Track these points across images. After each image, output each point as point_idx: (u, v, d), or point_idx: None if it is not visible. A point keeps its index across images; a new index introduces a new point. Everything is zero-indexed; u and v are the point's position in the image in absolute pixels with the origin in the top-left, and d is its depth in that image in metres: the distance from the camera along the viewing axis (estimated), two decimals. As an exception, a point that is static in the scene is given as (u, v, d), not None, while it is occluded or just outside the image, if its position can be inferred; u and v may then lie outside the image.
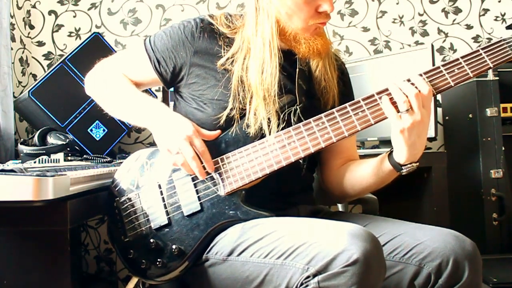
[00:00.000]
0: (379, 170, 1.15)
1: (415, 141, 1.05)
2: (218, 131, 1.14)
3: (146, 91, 1.30)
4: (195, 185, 1.13)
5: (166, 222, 1.12)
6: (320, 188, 1.39)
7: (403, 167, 1.10)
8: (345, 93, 1.29)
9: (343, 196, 1.29)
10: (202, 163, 1.10)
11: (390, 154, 1.12)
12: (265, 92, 1.13)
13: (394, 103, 1.04)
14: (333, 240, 0.91)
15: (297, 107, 1.17)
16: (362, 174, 1.21)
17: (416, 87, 1.04)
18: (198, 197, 1.12)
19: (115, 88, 1.23)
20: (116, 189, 1.20)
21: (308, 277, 0.90)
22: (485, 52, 1.07)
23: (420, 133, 1.05)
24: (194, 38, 1.20)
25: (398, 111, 1.04)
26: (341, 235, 0.92)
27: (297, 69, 1.20)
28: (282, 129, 1.12)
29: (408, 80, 1.06)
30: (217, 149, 1.14)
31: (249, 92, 1.15)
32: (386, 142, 2.03)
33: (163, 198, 1.14)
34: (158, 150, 1.17)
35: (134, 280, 1.49)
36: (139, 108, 1.18)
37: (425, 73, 1.07)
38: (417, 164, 1.10)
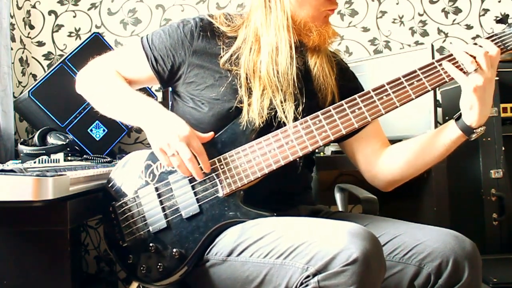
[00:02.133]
0: (444, 140, 1.14)
1: (486, 100, 1.07)
2: (212, 133, 1.12)
3: (146, 91, 1.29)
4: (193, 187, 1.12)
5: (165, 225, 1.11)
6: (320, 188, 1.39)
7: (474, 130, 1.10)
8: (346, 88, 1.28)
9: (394, 181, 1.25)
10: (199, 164, 1.08)
11: (457, 120, 1.12)
12: (280, 77, 1.14)
13: (458, 67, 1.07)
14: (333, 239, 0.91)
15: (292, 104, 1.16)
16: (423, 149, 1.18)
17: (482, 48, 1.06)
18: (197, 199, 1.11)
19: (107, 85, 1.20)
20: (111, 193, 1.18)
21: (308, 276, 0.90)
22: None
23: (490, 91, 1.07)
24: (194, 37, 1.19)
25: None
26: (340, 234, 0.92)
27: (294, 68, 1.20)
28: (279, 127, 1.12)
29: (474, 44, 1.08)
30: (215, 148, 1.13)
31: (255, 84, 1.14)
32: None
33: (160, 201, 1.13)
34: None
35: (135, 285, 1.49)
36: (132, 106, 1.15)
37: (420, 69, 1.09)
38: (485, 128, 1.10)
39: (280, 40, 1.16)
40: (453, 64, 1.07)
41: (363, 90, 1.32)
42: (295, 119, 1.12)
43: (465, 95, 1.07)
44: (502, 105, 1.98)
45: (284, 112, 1.13)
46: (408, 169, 1.21)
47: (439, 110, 2.36)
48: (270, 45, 1.16)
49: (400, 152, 1.22)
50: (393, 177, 1.24)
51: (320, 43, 1.20)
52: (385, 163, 1.24)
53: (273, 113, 1.14)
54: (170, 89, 1.29)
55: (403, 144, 1.23)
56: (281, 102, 1.13)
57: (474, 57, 1.05)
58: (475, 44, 1.08)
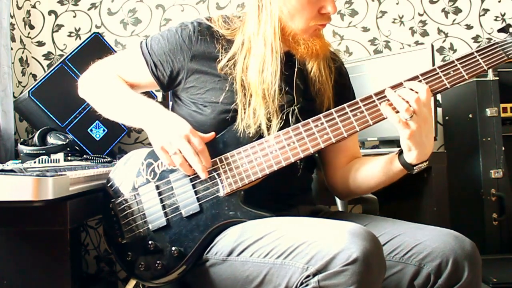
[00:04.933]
0: (388, 170, 1.16)
1: (424, 141, 1.06)
2: (213, 133, 1.12)
3: (146, 91, 1.29)
4: (193, 186, 1.12)
5: (165, 223, 1.11)
6: (320, 188, 1.39)
7: (414, 167, 1.10)
8: (342, 94, 1.28)
9: (349, 194, 1.31)
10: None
11: (399, 154, 1.12)
12: (265, 91, 1.13)
13: (396, 110, 1.05)
14: (333, 239, 0.91)
15: (295, 107, 1.17)
16: (370, 173, 1.21)
17: (414, 91, 1.04)
18: (197, 198, 1.11)
19: (109, 88, 1.21)
20: (112, 189, 1.18)
21: (308, 276, 0.90)
22: (479, 55, 1.08)
23: (427, 133, 1.05)
24: (192, 42, 1.19)
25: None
26: (341, 234, 0.92)
27: (296, 70, 1.20)
28: (281, 129, 1.12)
29: (402, 85, 1.06)
30: (215, 149, 1.13)
31: (249, 91, 1.15)
32: (386, 142, 2.03)
33: (161, 199, 1.13)
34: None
35: (132, 282, 1.49)
36: (134, 107, 1.16)
37: (422, 74, 1.08)
38: (427, 162, 1.10)
39: (267, 54, 1.15)
40: (391, 106, 1.05)
41: (354, 98, 1.33)
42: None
43: (402, 140, 1.06)
44: (502, 105, 1.99)
45: (268, 128, 1.12)
46: (362, 186, 1.24)
47: (439, 110, 2.36)
48: (258, 58, 1.15)
49: (359, 171, 1.24)
50: (348, 192, 1.29)
51: (308, 56, 1.18)
52: (344, 177, 1.27)
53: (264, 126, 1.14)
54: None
55: (363, 163, 1.25)
56: (267, 118, 1.13)
57: (408, 102, 1.03)
58: (405, 87, 1.05)
